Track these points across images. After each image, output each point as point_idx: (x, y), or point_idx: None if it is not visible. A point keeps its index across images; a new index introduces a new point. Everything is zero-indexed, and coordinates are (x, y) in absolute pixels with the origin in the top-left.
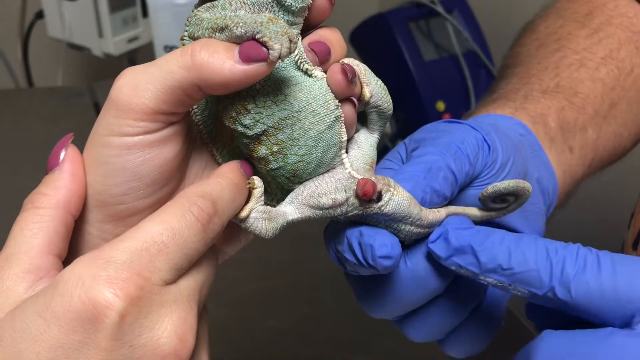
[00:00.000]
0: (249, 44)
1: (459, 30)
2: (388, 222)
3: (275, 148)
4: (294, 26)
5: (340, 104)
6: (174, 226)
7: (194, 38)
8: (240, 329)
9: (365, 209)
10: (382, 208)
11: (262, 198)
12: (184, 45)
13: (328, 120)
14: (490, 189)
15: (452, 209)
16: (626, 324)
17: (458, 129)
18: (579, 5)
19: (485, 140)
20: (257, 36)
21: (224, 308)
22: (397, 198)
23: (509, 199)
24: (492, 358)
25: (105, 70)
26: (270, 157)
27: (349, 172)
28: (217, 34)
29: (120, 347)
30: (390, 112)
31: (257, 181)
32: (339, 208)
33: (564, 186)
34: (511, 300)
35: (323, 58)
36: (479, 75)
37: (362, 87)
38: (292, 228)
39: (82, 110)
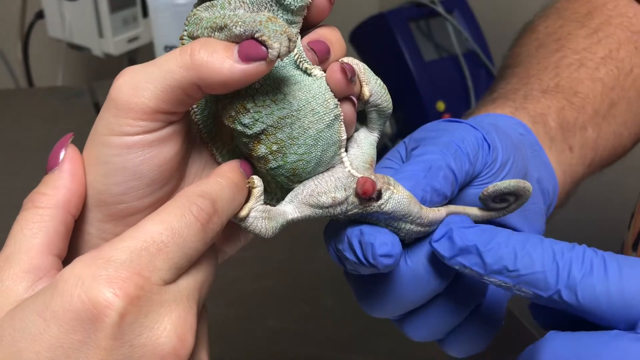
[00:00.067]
0: (248, 43)
1: (459, 30)
2: (388, 220)
3: (274, 147)
4: (293, 25)
5: (339, 102)
6: (174, 225)
7: (193, 37)
8: (240, 328)
9: (365, 207)
10: (382, 206)
11: (262, 197)
12: (183, 44)
13: (327, 119)
14: (490, 188)
15: (453, 208)
16: (631, 327)
17: (458, 128)
18: (578, 5)
19: (485, 139)
20: (256, 35)
21: (223, 307)
22: (397, 196)
23: (510, 199)
24: (492, 358)
25: (105, 70)
26: (270, 156)
27: (349, 171)
28: (216, 33)
29: (120, 346)
30: (390, 111)
31: (257, 180)
32: (338, 207)
33: (564, 186)
34: (511, 301)
35: (322, 57)
36: (479, 75)
37: (361, 86)
38: (291, 227)
39: (82, 110)
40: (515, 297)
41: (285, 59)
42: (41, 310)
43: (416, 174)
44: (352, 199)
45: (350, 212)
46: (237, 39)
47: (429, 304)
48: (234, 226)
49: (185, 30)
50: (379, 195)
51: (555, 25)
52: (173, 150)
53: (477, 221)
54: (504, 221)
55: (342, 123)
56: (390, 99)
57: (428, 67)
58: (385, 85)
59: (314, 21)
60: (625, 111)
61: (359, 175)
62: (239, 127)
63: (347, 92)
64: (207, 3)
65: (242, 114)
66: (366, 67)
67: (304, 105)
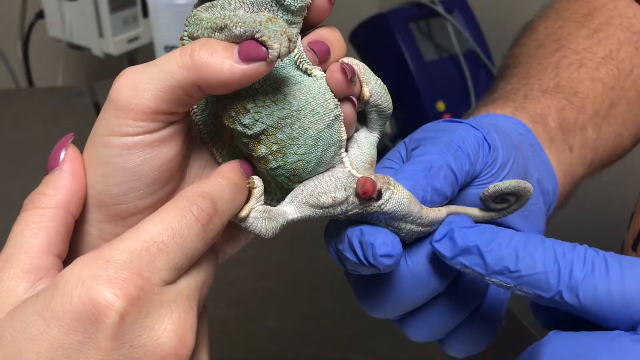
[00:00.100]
0: (248, 43)
1: (459, 31)
2: (388, 220)
3: (274, 147)
4: (294, 25)
5: (339, 103)
6: (174, 226)
7: (193, 38)
8: (240, 328)
9: (366, 207)
10: (382, 206)
11: (262, 197)
12: (183, 45)
13: (327, 119)
14: (491, 188)
15: (453, 208)
16: (632, 327)
17: (458, 128)
18: (578, 5)
19: (485, 139)
20: (257, 35)
21: (223, 307)
22: (397, 196)
23: (510, 199)
24: (492, 358)
25: (105, 70)
26: (270, 157)
27: (349, 171)
28: (216, 33)
29: (120, 347)
30: (390, 111)
31: (257, 181)
32: (339, 207)
33: (564, 186)
34: (511, 301)
35: (322, 57)
36: (479, 75)
37: (361, 87)
38: (292, 227)
39: (82, 110)
40: (515, 297)
41: (285, 59)
42: (41, 311)
43: (416, 174)
44: (353, 199)
45: (350, 212)
46: (238, 40)
47: (429, 304)
48: (235, 226)
49: (186, 31)
50: (379, 195)
51: (555, 25)
52: (173, 151)
53: (478, 222)
54: (505, 222)
55: (342, 123)
56: (391, 100)
57: (428, 67)
58: (385, 86)
59: (314, 21)
60: (626, 111)
61: (359, 175)
62: (239, 128)
63: (347, 92)
64: (208, 4)
65: (242, 114)
66: (366, 67)
67: (304, 106)
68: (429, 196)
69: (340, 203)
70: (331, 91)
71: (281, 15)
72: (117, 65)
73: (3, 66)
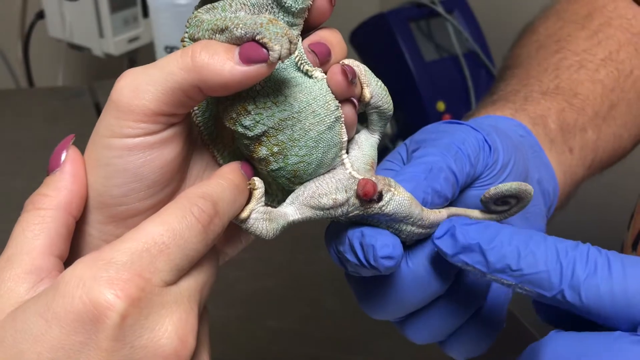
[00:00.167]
0: (249, 45)
1: (459, 31)
2: (389, 222)
3: (275, 149)
4: (294, 27)
5: (340, 104)
6: (175, 227)
7: (194, 39)
8: (240, 329)
9: (366, 209)
10: (383, 208)
11: (263, 199)
12: (184, 46)
13: (328, 121)
14: (492, 190)
15: (454, 210)
16: (634, 327)
17: (459, 130)
18: (578, 6)
19: (486, 140)
20: (257, 37)
21: (224, 308)
22: (398, 198)
23: (511, 202)
24: (493, 358)
25: (105, 70)
26: (271, 158)
27: (350, 173)
28: (217, 35)
29: (121, 348)
30: (391, 112)
31: (258, 182)
32: (339, 208)
33: (564, 187)
34: (512, 301)
35: (323, 59)
36: (479, 75)
37: (362, 88)
38: (292, 228)
39: (82, 111)
40: (515, 298)
41: (286, 61)
42: (43, 312)
43: (417, 175)
44: (353, 200)
45: (351, 214)
46: (238, 41)
47: (430, 306)
48: (235, 228)
49: (187, 33)
50: (380, 197)
51: (555, 26)
52: (174, 152)
53: None
54: (505, 223)
55: (343, 125)
56: (391, 101)
57: (428, 67)
58: (386, 87)
59: (314, 23)
60: (625, 113)
61: (360, 177)
62: (240, 129)
63: (348, 94)
64: (208, 5)
65: (243, 116)
66: (367, 68)
67: (304, 107)
68: (430, 198)
69: (341, 205)
70: (332, 93)
71: (282, 17)
72: (118, 65)
73: (3, 66)
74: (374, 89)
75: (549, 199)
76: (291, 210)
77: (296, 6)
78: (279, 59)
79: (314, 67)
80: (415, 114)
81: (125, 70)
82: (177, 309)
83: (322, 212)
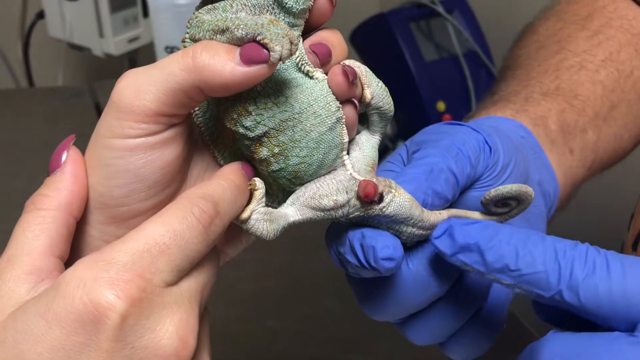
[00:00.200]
0: (250, 45)
1: (459, 31)
2: (390, 223)
3: (276, 150)
4: (295, 28)
5: (341, 105)
6: (176, 227)
7: (195, 40)
8: (241, 329)
9: (367, 210)
10: (384, 210)
11: (264, 199)
12: (185, 47)
13: (329, 122)
14: (493, 192)
15: (454, 211)
16: (632, 327)
17: (459, 131)
18: (578, 7)
19: (486, 142)
20: (258, 38)
21: (224, 309)
22: (398, 200)
23: (511, 204)
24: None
25: (105, 70)
26: (272, 159)
27: (351, 174)
28: (218, 36)
29: (121, 348)
30: (392, 113)
31: (259, 183)
32: (340, 210)
33: (565, 188)
34: (512, 301)
35: (324, 60)
36: (479, 75)
37: (363, 89)
38: (293, 229)
39: (82, 111)
40: (515, 298)
41: (287, 61)
42: (43, 312)
43: (417, 177)
44: (354, 202)
45: (351, 215)
46: (239, 42)
47: (430, 308)
48: (236, 228)
49: (187, 33)
50: (381, 199)
51: (556, 27)
52: (175, 153)
53: None
54: (506, 224)
55: (344, 126)
56: (392, 102)
57: (428, 68)
58: (386, 88)
59: (315, 24)
60: (626, 113)
61: (361, 178)
62: (241, 130)
63: (348, 94)
64: (209, 6)
65: (244, 116)
66: (368, 69)
67: (305, 108)
68: (430, 199)
69: (342, 206)
70: (333, 94)
71: (283, 17)
72: (118, 65)
73: (3, 66)
74: (374, 89)
75: (550, 200)
76: (292, 211)
77: (297, 7)
78: (280, 59)
79: (315, 67)
80: (415, 114)
81: (126, 71)
82: (177, 310)
83: (322, 213)
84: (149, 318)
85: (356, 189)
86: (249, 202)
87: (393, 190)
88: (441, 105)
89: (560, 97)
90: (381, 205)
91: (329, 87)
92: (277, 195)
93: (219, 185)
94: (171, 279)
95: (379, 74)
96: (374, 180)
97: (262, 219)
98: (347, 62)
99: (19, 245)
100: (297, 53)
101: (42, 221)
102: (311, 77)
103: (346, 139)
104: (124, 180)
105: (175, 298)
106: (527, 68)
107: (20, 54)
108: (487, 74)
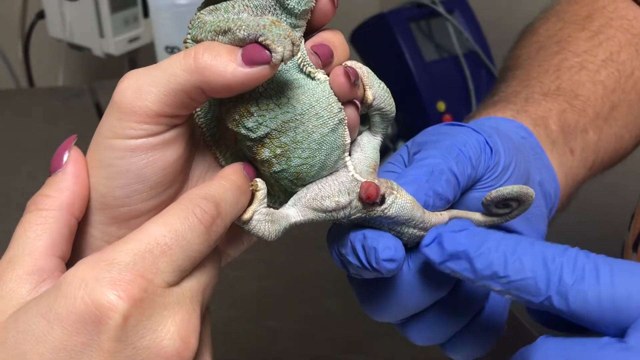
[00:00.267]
0: (252, 46)
1: (459, 31)
2: (391, 225)
3: (278, 151)
4: (297, 29)
5: (343, 106)
6: (177, 228)
7: (196, 41)
8: (242, 329)
9: (369, 212)
10: (386, 211)
11: (265, 200)
12: (187, 47)
13: (331, 123)
14: (493, 193)
15: (455, 212)
16: (621, 332)
17: (460, 132)
18: (578, 7)
19: (487, 142)
20: (260, 39)
21: (225, 309)
22: (400, 201)
23: (512, 205)
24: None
25: (106, 70)
26: (274, 160)
27: (352, 175)
28: (219, 36)
29: (123, 348)
30: (393, 114)
31: (260, 183)
32: (342, 211)
33: (566, 188)
34: (512, 302)
35: (326, 61)
36: (479, 75)
37: (364, 90)
38: (294, 230)
39: (83, 111)
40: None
41: (288, 62)
42: (45, 312)
43: (419, 178)
44: (356, 203)
45: (353, 217)
46: (241, 43)
47: (431, 309)
48: (237, 229)
49: (189, 34)
50: (383, 200)
51: (556, 27)
52: (176, 154)
53: (480, 226)
54: (507, 225)
55: (346, 127)
56: (394, 103)
57: (428, 68)
58: (388, 89)
59: (317, 25)
60: (626, 114)
61: (363, 180)
62: (243, 131)
63: (350, 95)
64: (211, 7)
65: (245, 117)
66: (369, 70)
67: (307, 109)
68: (431, 200)
69: (344, 207)
70: (335, 95)
71: (285, 18)
72: (118, 65)
73: (4, 66)
74: (376, 90)
75: (551, 200)
76: (293, 212)
77: (299, 8)
78: (282, 60)
79: (317, 68)
80: (415, 114)
81: (128, 72)
82: (179, 310)
83: (324, 214)
84: (151, 318)
85: (358, 190)
86: (250, 203)
87: (395, 192)
88: (441, 106)
89: (561, 97)
90: (383, 206)
91: (331, 88)
92: (278, 196)
93: (221, 185)
94: (173, 279)
95: (379, 74)
96: (376, 181)
97: (264, 219)
98: (349, 63)
99: (21, 246)
100: (299, 54)
101: (43, 221)
102: (313, 78)
103: (348, 141)
104: (125, 181)
105: (177, 298)
106: (527, 68)
107: (21, 54)
108: (487, 74)
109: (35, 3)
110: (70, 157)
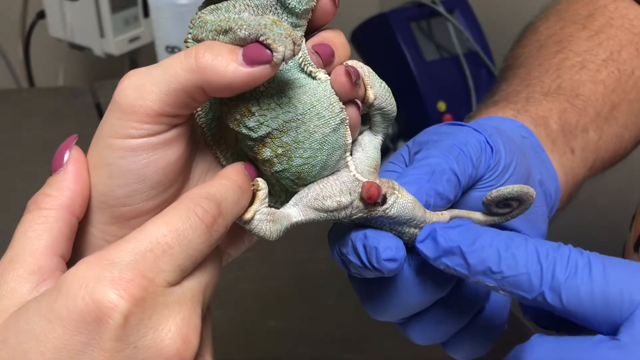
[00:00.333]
0: (253, 46)
1: (460, 31)
2: (392, 224)
3: (279, 150)
4: (298, 28)
5: (344, 106)
6: (178, 227)
7: (197, 40)
8: (242, 329)
9: (370, 211)
10: (387, 211)
11: (266, 200)
12: (187, 47)
13: (333, 123)
14: (494, 193)
15: (456, 212)
16: (614, 329)
17: (461, 132)
18: (579, 6)
19: (488, 142)
20: (261, 38)
21: (226, 308)
22: (401, 201)
23: (513, 204)
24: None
25: (106, 70)
26: (275, 160)
27: (354, 175)
28: (220, 36)
29: (124, 348)
30: (394, 114)
31: (261, 183)
32: (343, 211)
33: (566, 188)
34: (513, 301)
35: (327, 60)
36: (480, 75)
37: (366, 90)
38: (295, 229)
39: (83, 110)
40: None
41: (289, 62)
42: (46, 312)
43: (420, 178)
44: (357, 203)
45: (354, 216)
46: (242, 42)
47: (432, 308)
48: (238, 228)
49: (190, 33)
50: (384, 200)
51: (556, 26)
52: (177, 153)
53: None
54: (507, 224)
55: (347, 127)
56: (395, 102)
57: (429, 67)
58: (389, 89)
59: (318, 24)
60: (627, 113)
61: (364, 180)
62: (244, 131)
63: (351, 95)
64: (212, 6)
65: (247, 117)
66: (370, 70)
67: (309, 109)
68: (432, 200)
69: (345, 207)
70: (336, 94)
71: (286, 18)
72: (118, 65)
73: (4, 66)
74: (377, 90)
75: (551, 200)
76: (295, 211)
77: (300, 7)
78: (283, 60)
79: (318, 68)
80: (416, 114)
81: (129, 71)
82: (180, 310)
83: (325, 214)
84: (152, 318)
85: (359, 190)
86: (251, 203)
87: (396, 192)
88: (442, 105)
89: (562, 96)
90: (384, 206)
91: (332, 88)
92: (280, 195)
93: (222, 185)
94: (174, 278)
95: (379, 74)
96: (377, 181)
97: (265, 219)
98: (350, 62)
99: (21, 245)
100: (300, 53)
101: (44, 221)
102: (314, 78)
103: (349, 140)
104: (126, 180)
105: (178, 298)
106: (528, 67)
107: (21, 53)
108: (487, 74)
109: (35, 3)
110: (71, 156)
